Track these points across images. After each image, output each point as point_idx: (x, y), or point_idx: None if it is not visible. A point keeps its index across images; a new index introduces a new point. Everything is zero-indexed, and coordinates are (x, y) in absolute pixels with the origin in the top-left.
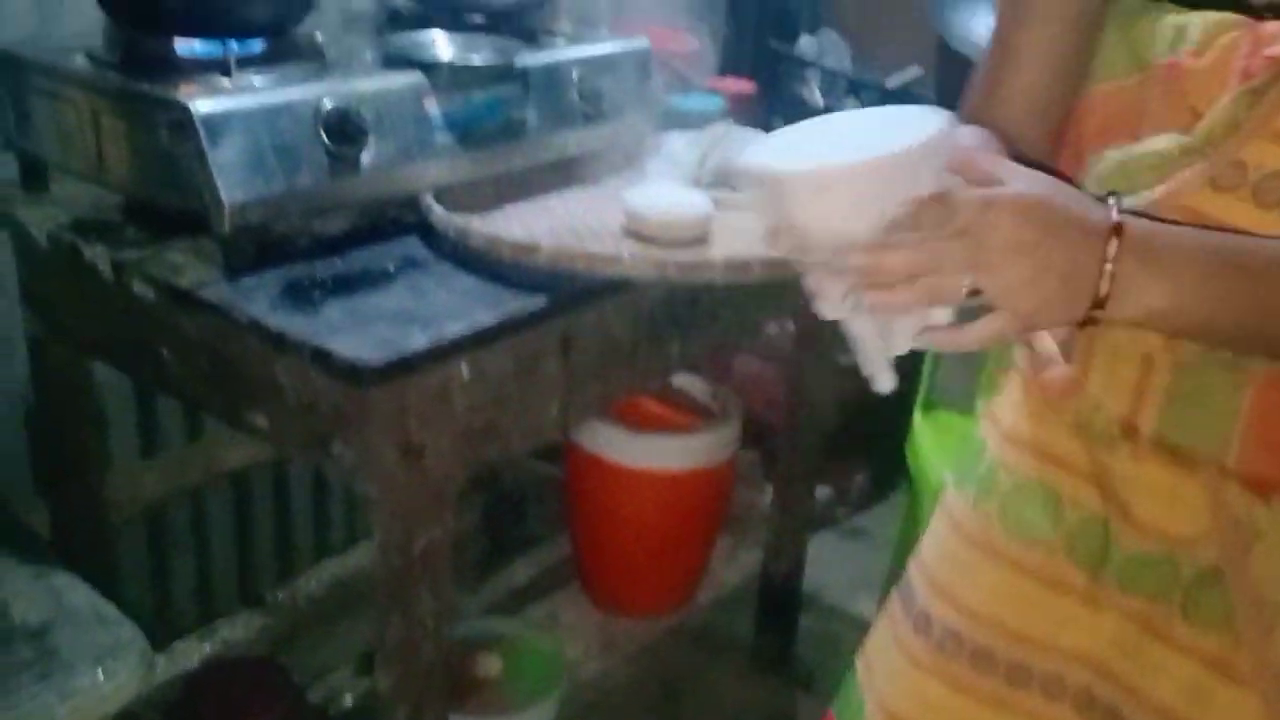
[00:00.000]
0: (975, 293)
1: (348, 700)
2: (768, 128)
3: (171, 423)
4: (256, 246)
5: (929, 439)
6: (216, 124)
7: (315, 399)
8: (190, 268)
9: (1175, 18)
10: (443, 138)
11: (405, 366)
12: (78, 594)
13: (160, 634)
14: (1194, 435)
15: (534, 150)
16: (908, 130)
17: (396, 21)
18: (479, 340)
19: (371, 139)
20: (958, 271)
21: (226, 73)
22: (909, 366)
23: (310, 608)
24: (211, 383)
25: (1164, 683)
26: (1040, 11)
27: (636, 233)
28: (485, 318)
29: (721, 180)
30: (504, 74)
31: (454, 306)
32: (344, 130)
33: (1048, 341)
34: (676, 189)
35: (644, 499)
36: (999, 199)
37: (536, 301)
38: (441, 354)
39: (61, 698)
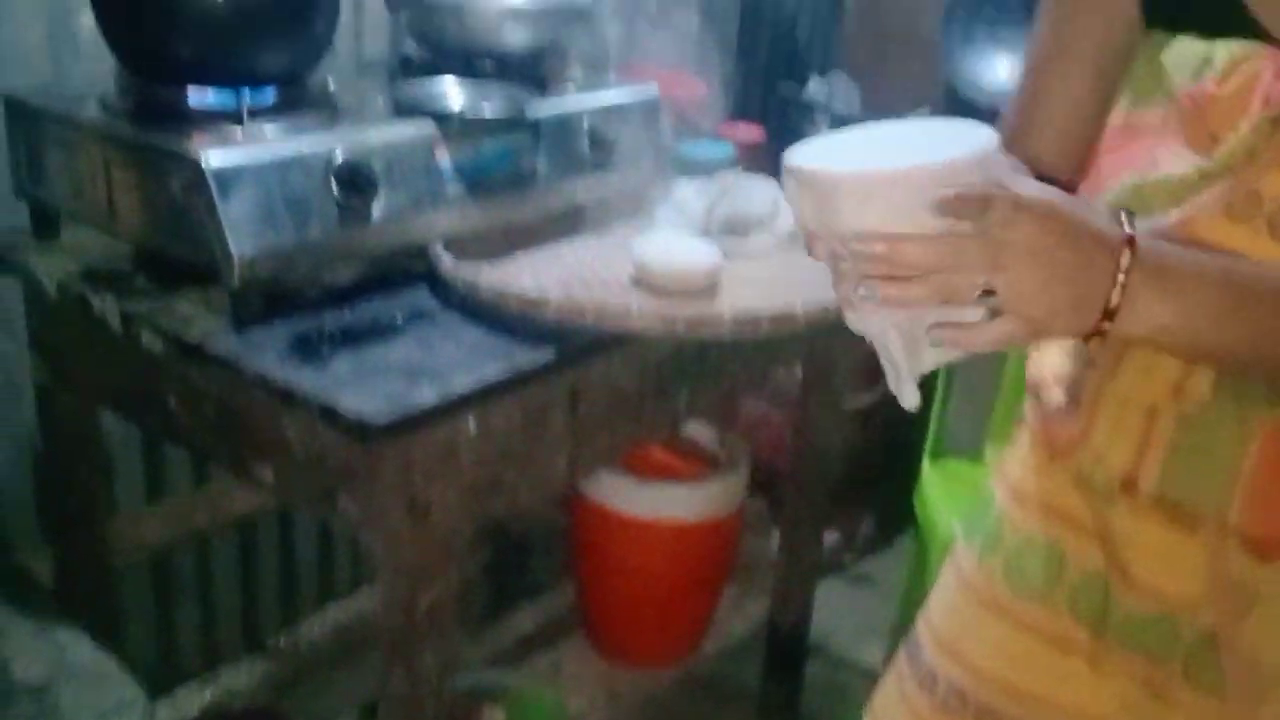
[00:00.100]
0: (988, 294)
1: None
2: (777, 175)
3: (178, 468)
4: (265, 298)
5: (937, 488)
6: (228, 178)
7: (322, 453)
8: (199, 319)
9: (1200, 47)
10: (453, 187)
11: (412, 422)
12: (80, 649)
13: (163, 679)
14: (1196, 490)
15: (544, 199)
16: (954, 142)
17: (408, 68)
18: (486, 395)
19: (382, 190)
20: (974, 271)
21: (239, 122)
22: (918, 424)
23: (314, 654)
24: (218, 434)
25: None
26: (1075, 50)
27: (645, 283)
28: (493, 371)
29: (730, 229)
30: (515, 124)
31: (462, 359)
32: (355, 182)
33: (1055, 392)
34: (685, 239)
35: (650, 549)
36: (1025, 201)
37: (544, 354)
38: (449, 409)
39: None
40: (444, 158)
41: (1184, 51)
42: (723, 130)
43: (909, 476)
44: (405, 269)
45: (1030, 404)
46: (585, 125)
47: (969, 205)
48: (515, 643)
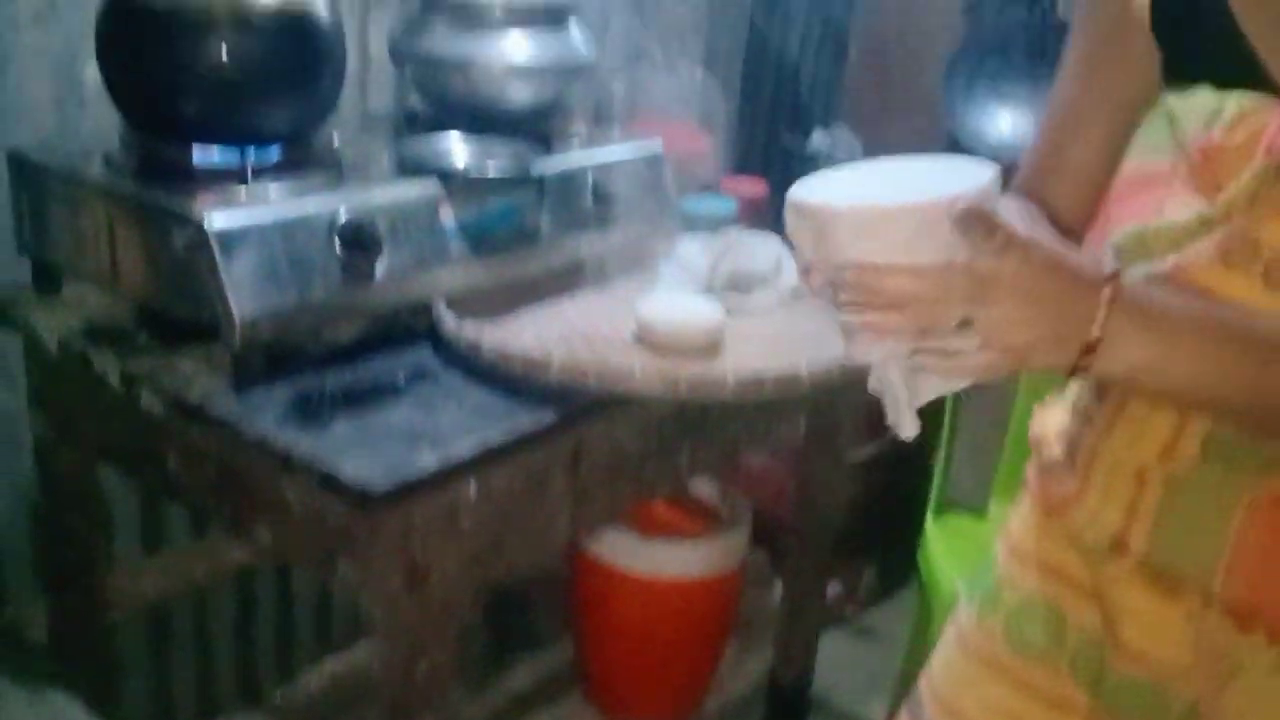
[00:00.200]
0: (965, 323)
1: None
2: (780, 230)
3: (176, 521)
4: (267, 357)
5: (940, 545)
6: (230, 239)
7: (321, 517)
8: (200, 378)
9: (1212, 99)
10: (456, 245)
11: (412, 488)
12: (74, 715)
13: None
14: (1182, 556)
15: (547, 255)
16: (955, 179)
17: (414, 122)
18: (488, 458)
19: (386, 249)
20: (955, 303)
21: (243, 181)
22: (920, 473)
23: (312, 707)
24: (218, 493)
25: None
26: (1099, 104)
27: (647, 341)
28: (494, 434)
29: (734, 286)
30: (520, 181)
31: (463, 421)
32: (359, 242)
33: (1055, 448)
34: (687, 297)
35: (651, 606)
36: (1016, 235)
37: (546, 416)
38: (449, 474)
39: None
40: (448, 216)
41: (1195, 103)
42: (726, 185)
43: (912, 527)
44: (407, 326)
45: (1031, 461)
46: (589, 181)
47: (979, 225)
48: (513, 699)
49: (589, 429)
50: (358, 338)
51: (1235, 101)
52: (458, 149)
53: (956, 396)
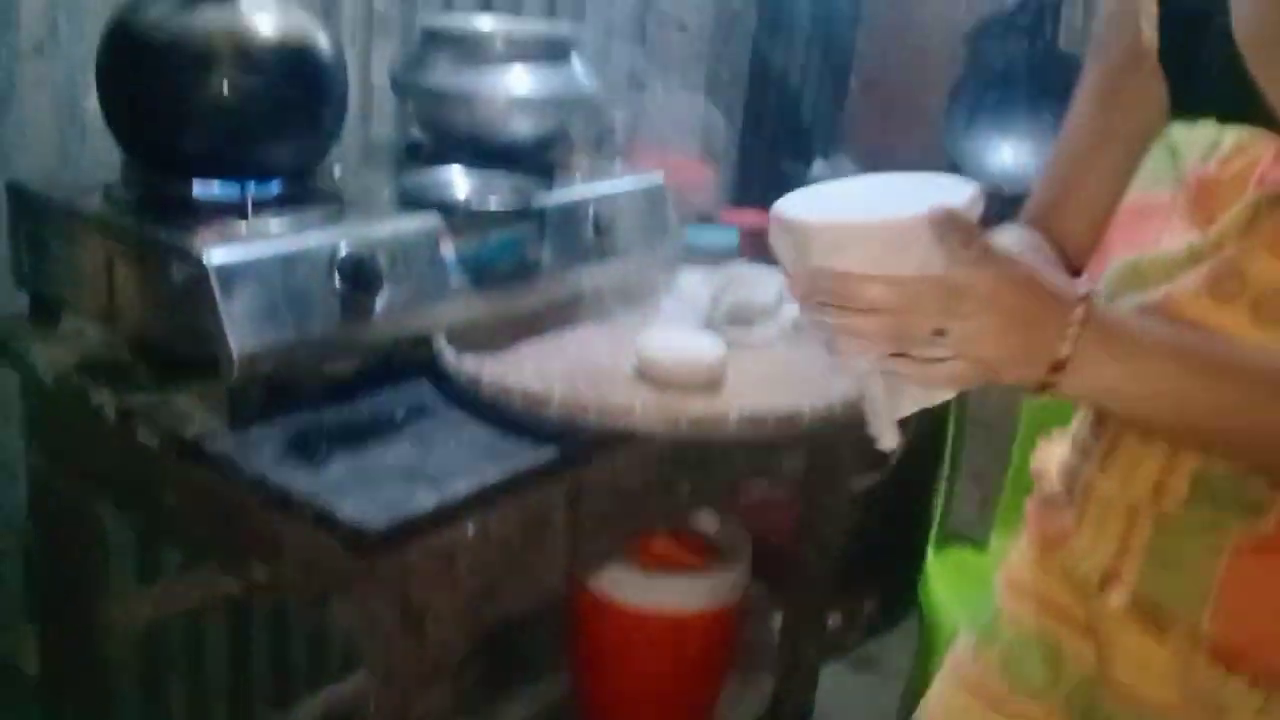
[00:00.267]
0: (938, 333)
1: None
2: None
3: (171, 550)
4: (264, 393)
5: (941, 579)
6: (230, 275)
7: (317, 557)
8: (197, 414)
9: (1211, 131)
10: (457, 278)
11: (409, 529)
12: None
13: None
14: (1170, 595)
15: (548, 288)
16: (934, 196)
17: (415, 154)
18: (486, 498)
19: (386, 284)
20: (928, 314)
21: (243, 215)
22: (922, 505)
23: None
24: (213, 531)
25: None
26: (1111, 138)
27: (648, 376)
28: (493, 473)
29: (735, 319)
30: (521, 214)
31: (462, 460)
32: (359, 276)
33: (1054, 482)
34: (689, 332)
35: (650, 640)
36: (992, 250)
37: (546, 454)
38: (447, 515)
39: None
40: (449, 250)
41: (1195, 134)
42: (727, 215)
43: (913, 558)
44: (407, 360)
45: (1032, 494)
46: (590, 214)
47: (957, 233)
48: None
49: (589, 467)
50: (356, 372)
51: (1233, 134)
52: (459, 182)
53: (959, 429)
